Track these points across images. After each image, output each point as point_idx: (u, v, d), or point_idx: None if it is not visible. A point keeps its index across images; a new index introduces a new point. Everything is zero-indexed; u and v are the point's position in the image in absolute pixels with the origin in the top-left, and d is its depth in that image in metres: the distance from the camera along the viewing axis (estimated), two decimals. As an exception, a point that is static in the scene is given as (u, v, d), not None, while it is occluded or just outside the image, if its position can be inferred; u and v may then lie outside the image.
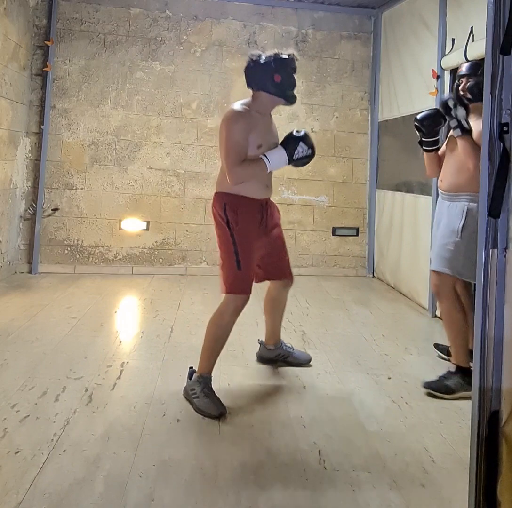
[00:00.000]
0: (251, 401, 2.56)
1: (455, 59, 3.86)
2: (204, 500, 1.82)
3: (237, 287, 2.55)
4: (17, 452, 2.04)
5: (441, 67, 4.08)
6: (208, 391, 2.49)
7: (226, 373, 2.86)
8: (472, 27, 3.65)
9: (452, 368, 2.73)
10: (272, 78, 2.53)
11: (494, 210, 1.34)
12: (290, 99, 2.60)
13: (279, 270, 2.83)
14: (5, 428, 2.20)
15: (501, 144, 1.34)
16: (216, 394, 2.50)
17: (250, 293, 2.58)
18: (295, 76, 2.61)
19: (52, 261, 5.11)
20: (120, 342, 3.33)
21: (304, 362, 3.02)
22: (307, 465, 2.04)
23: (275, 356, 3.00)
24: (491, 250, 1.36)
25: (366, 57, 5.49)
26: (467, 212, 2.68)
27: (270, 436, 2.25)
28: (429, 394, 2.66)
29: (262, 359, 3.04)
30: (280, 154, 2.49)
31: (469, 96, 2.71)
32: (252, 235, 2.59)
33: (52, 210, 5.11)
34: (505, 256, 1.35)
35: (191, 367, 2.64)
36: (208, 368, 2.57)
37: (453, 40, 3.94)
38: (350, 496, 1.87)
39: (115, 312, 4.06)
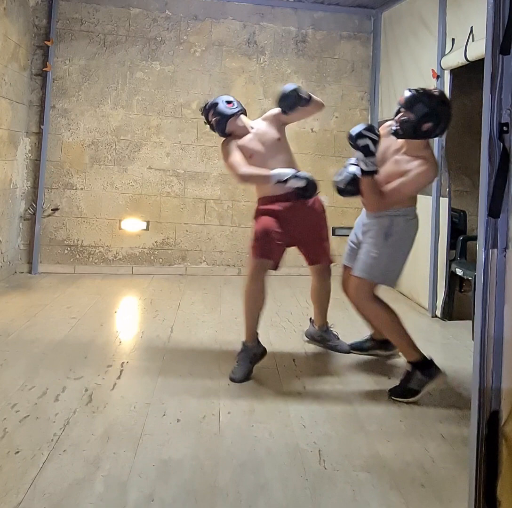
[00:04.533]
0: (251, 401, 2.56)
1: (455, 59, 3.86)
2: (204, 500, 1.82)
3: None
4: (17, 452, 2.04)
5: (441, 67, 4.08)
6: (243, 358, 2.87)
7: (226, 373, 2.86)
8: (472, 27, 3.65)
9: (409, 367, 2.69)
10: (211, 123, 3.12)
11: (494, 210, 1.34)
12: (226, 118, 3.05)
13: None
14: (5, 428, 2.20)
15: (501, 144, 1.34)
16: (250, 363, 2.85)
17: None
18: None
19: (52, 261, 5.11)
20: (120, 342, 3.33)
21: (342, 351, 3.23)
22: (307, 465, 2.04)
23: (318, 337, 3.31)
24: (491, 250, 1.36)
25: (366, 57, 5.49)
26: (392, 221, 2.71)
27: (270, 436, 2.25)
28: (396, 400, 2.61)
29: (309, 336, 3.37)
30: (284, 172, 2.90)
31: (399, 130, 2.65)
32: None
33: (52, 210, 5.11)
34: (505, 256, 1.35)
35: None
36: (247, 336, 2.93)
37: (453, 40, 3.94)
38: (350, 496, 1.87)
39: (115, 312, 4.06)
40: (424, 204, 4.31)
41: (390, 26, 5.13)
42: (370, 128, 2.59)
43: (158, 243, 5.28)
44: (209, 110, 3.10)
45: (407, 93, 2.65)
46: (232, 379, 2.78)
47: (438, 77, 4.10)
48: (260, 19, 5.36)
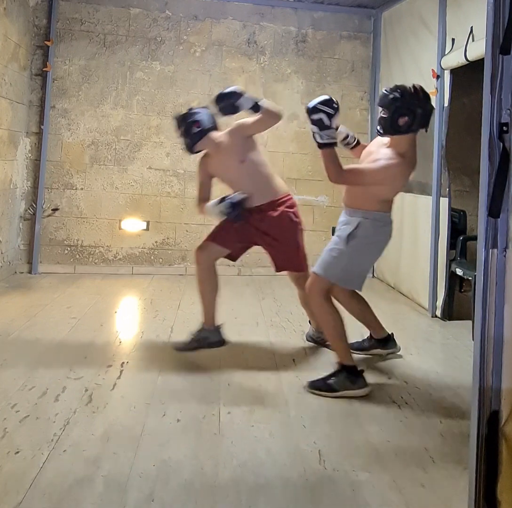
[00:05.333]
0: (251, 401, 2.56)
1: (455, 59, 3.86)
2: (204, 500, 1.81)
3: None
4: (17, 452, 2.04)
5: (441, 67, 4.08)
6: (194, 336, 3.10)
7: (227, 373, 2.86)
8: (472, 27, 3.65)
9: (337, 366, 2.71)
10: (194, 129, 3.04)
11: (494, 210, 1.34)
12: (202, 134, 3.05)
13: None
14: (5, 428, 2.20)
15: (501, 144, 1.34)
16: (197, 343, 3.06)
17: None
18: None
19: (52, 261, 5.11)
20: (120, 342, 3.33)
21: None
22: (307, 465, 2.04)
23: (317, 338, 3.33)
24: (491, 250, 1.36)
25: (366, 57, 5.49)
26: (359, 224, 2.71)
27: (270, 436, 2.24)
28: (311, 393, 2.65)
29: (309, 338, 3.39)
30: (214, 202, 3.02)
31: (380, 128, 2.68)
32: None
33: (52, 210, 5.11)
34: (505, 256, 1.35)
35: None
36: (204, 320, 3.15)
37: (453, 40, 3.94)
38: (350, 496, 1.87)
39: (115, 312, 4.06)
40: (424, 204, 4.32)
41: (390, 26, 5.13)
42: (325, 102, 2.56)
43: (158, 243, 5.28)
44: (178, 129, 3.10)
45: (382, 92, 2.72)
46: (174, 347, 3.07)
47: (438, 77, 4.10)
48: (260, 19, 5.36)
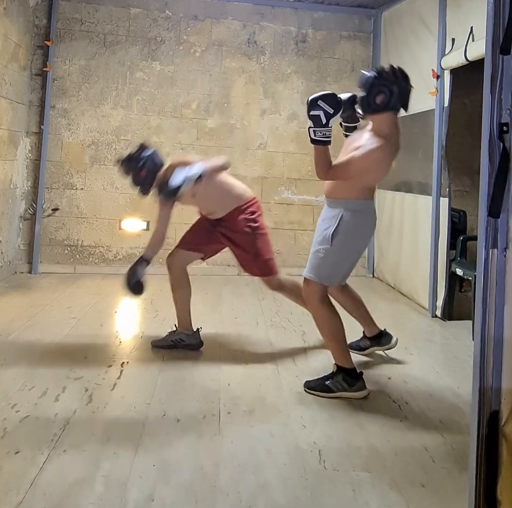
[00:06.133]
0: (251, 401, 2.56)
1: (455, 59, 3.86)
2: (204, 500, 1.81)
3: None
4: (17, 452, 2.03)
5: (441, 67, 4.08)
6: (170, 336, 3.21)
7: (227, 373, 2.86)
8: (472, 27, 3.65)
9: (334, 367, 2.70)
10: (142, 176, 3.18)
11: (494, 210, 1.34)
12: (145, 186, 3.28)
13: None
14: (5, 428, 2.20)
15: (501, 144, 1.34)
16: (172, 342, 3.16)
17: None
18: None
19: (52, 261, 5.11)
20: (120, 342, 3.33)
21: None
22: (307, 465, 2.04)
23: None
24: (491, 250, 1.36)
25: (366, 57, 5.49)
26: (340, 219, 2.66)
27: (270, 436, 2.24)
28: (307, 392, 2.65)
29: None
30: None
31: (360, 109, 2.67)
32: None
33: (52, 210, 5.11)
34: (505, 256, 1.35)
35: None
36: (179, 324, 3.24)
37: (453, 40, 3.94)
38: (350, 496, 1.87)
39: (115, 312, 4.06)
40: (424, 204, 4.32)
41: (390, 26, 5.13)
42: (327, 98, 2.50)
43: (158, 243, 5.27)
44: (127, 175, 3.19)
45: (360, 73, 2.70)
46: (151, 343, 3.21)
47: (438, 77, 4.10)
48: (260, 19, 5.36)
